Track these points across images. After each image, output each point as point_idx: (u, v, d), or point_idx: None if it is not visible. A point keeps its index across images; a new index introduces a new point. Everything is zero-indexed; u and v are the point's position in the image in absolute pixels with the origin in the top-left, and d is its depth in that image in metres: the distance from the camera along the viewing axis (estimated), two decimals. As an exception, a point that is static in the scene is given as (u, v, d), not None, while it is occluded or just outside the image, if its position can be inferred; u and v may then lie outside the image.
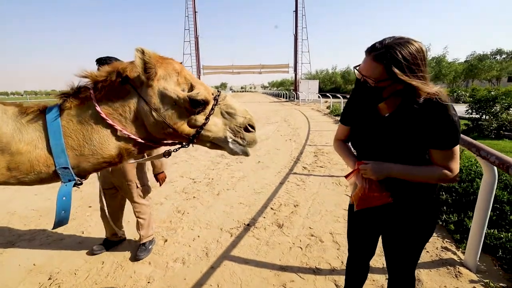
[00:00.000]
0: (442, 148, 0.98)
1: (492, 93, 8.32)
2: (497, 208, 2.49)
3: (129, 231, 2.68)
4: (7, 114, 0.79)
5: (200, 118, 0.93)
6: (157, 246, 2.54)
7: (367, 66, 0.98)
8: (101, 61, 2.00)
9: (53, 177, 0.84)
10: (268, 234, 2.69)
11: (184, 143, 0.99)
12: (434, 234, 2.55)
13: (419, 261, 2.17)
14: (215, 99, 0.95)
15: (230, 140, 0.99)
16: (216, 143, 1.00)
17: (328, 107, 16.32)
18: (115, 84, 0.87)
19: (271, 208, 3.24)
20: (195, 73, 30.66)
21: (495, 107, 7.97)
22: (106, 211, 2.26)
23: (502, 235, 2.18)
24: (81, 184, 0.88)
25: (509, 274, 1.96)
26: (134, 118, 0.90)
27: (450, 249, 2.31)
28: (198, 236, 2.70)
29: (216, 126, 0.96)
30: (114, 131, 0.87)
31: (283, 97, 33.30)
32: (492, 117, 7.87)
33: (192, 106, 0.90)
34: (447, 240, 2.44)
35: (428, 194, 1.10)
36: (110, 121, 0.85)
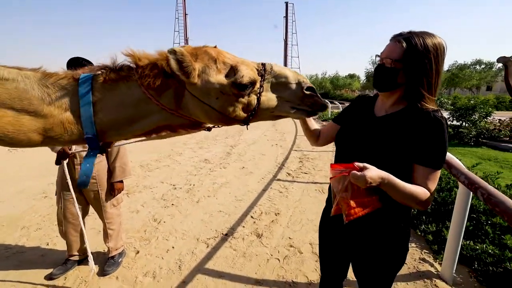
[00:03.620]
0: (427, 165, 0.92)
1: (472, 101, 8.62)
2: (473, 218, 2.50)
3: (99, 242, 2.52)
4: (30, 79, 0.79)
5: (252, 100, 0.88)
6: (128, 259, 2.39)
7: (388, 48, 0.97)
8: (72, 63, 1.85)
9: (82, 140, 0.86)
10: (246, 245, 2.59)
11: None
12: (413, 245, 2.53)
13: (397, 274, 2.15)
14: (261, 75, 0.89)
15: (292, 111, 0.95)
16: (279, 115, 0.97)
17: (316, 112, 16.47)
18: (159, 77, 0.84)
19: (251, 217, 3.15)
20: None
21: (474, 116, 8.26)
22: (82, 225, 2.04)
23: (477, 246, 2.18)
24: (105, 152, 0.97)
25: (484, 287, 1.95)
26: (181, 105, 0.88)
27: (427, 260, 2.28)
28: (173, 247, 2.56)
29: (271, 101, 0.91)
30: (156, 111, 0.86)
31: (273, 101, 33.36)
32: (471, 125, 8.14)
33: (239, 90, 0.85)
34: (425, 251, 2.42)
35: (402, 219, 1.04)
36: (157, 103, 0.84)
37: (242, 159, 5.73)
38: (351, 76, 46.99)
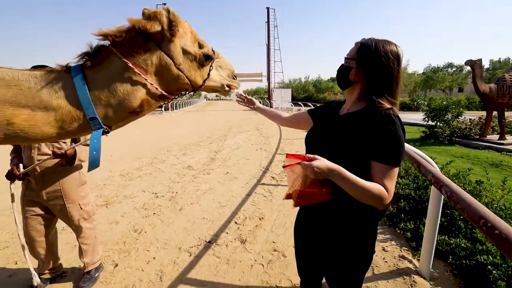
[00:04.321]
0: (381, 161, 0.93)
1: (445, 102, 9.10)
2: (447, 214, 2.62)
3: (75, 258, 2.39)
4: (37, 78, 0.86)
5: (206, 70, 1.10)
6: (105, 273, 2.28)
7: (349, 50, 1.07)
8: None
9: (89, 126, 0.92)
10: (229, 251, 2.55)
11: (187, 91, 1.13)
12: (393, 243, 2.60)
13: (378, 272, 2.19)
14: (212, 56, 1.13)
15: (227, 88, 1.22)
16: (216, 90, 1.20)
17: (300, 115, 16.71)
18: (136, 41, 0.92)
19: (235, 222, 3.11)
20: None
21: (447, 116, 8.71)
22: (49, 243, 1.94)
23: (452, 241, 2.27)
24: (108, 132, 0.96)
25: (459, 280, 2.04)
26: (155, 71, 0.98)
27: (406, 257, 2.35)
28: (154, 258, 2.48)
29: (215, 76, 1.16)
30: (140, 82, 0.94)
31: (258, 105, 33.57)
32: (445, 125, 8.58)
33: (205, 60, 1.06)
34: (405, 248, 2.50)
35: (364, 217, 1.05)
36: (137, 70, 0.92)
37: (227, 164, 5.69)
38: (333, 80, 48.31)
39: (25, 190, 1.93)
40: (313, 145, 1.13)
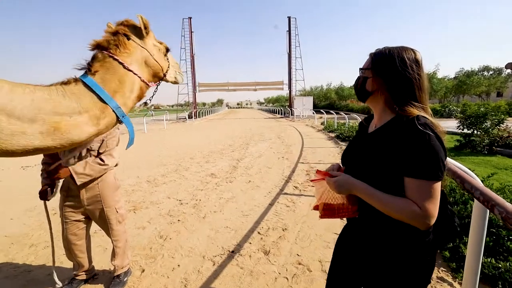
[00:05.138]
0: (413, 175, 0.84)
1: (482, 109, 8.43)
2: (493, 233, 2.37)
3: (105, 260, 2.49)
4: (62, 90, 1.01)
5: (167, 60, 1.42)
6: (133, 277, 2.34)
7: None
8: None
9: (116, 116, 1.15)
10: (253, 262, 2.51)
11: (159, 82, 1.44)
12: (429, 261, 2.40)
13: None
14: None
15: (178, 73, 1.54)
16: (174, 77, 1.51)
17: (322, 123, 16.43)
18: (122, 42, 1.16)
19: (258, 233, 3.07)
20: (191, 89, 30.95)
21: (485, 123, 8.04)
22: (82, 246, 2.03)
23: (500, 265, 2.04)
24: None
25: (510, 309, 1.81)
26: (142, 64, 1.25)
27: (446, 279, 2.15)
28: (178, 265, 2.51)
29: (172, 67, 1.49)
30: (136, 75, 1.20)
31: (279, 113, 33.61)
32: (483, 133, 7.91)
33: (166, 51, 1.42)
34: (443, 269, 2.29)
35: (412, 240, 0.93)
36: (127, 66, 1.16)
37: (249, 173, 5.69)
38: (357, 87, 46.74)
39: (66, 197, 2.05)
40: (347, 163, 1.11)
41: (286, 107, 34.84)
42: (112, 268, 2.32)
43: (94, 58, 1.13)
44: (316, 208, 1.07)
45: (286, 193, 4.35)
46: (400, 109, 0.92)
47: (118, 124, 1.21)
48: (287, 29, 30.87)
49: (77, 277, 2.21)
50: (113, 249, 2.21)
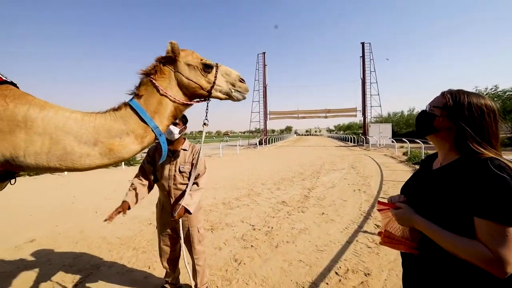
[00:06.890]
0: (485, 217, 0.79)
1: None
2: None
3: (185, 277, 2.71)
4: (116, 115, 1.23)
5: (211, 77, 1.43)
6: (211, 297, 2.46)
7: (434, 98, 1.07)
8: None
9: (154, 135, 1.30)
10: (331, 307, 2.28)
11: (206, 98, 1.48)
12: None
13: None
14: (216, 65, 1.47)
15: (232, 90, 1.51)
16: (226, 93, 1.50)
17: (404, 153, 14.46)
18: (158, 68, 1.34)
19: (336, 273, 2.81)
20: (262, 118, 32.72)
21: None
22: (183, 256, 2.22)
23: None
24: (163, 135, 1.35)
25: None
26: (176, 85, 1.38)
27: None
28: (253, 294, 2.50)
29: (221, 81, 1.47)
30: (166, 96, 1.34)
31: (351, 141, 31.52)
32: None
33: (204, 68, 1.41)
34: None
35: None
36: (162, 91, 1.32)
37: (322, 204, 5.41)
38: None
39: (160, 213, 2.37)
40: (409, 197, 1.09)
41: (360, 134, 32.46)
42: (191, 285, 2.49)
43: (140, 83, 1.34)
44: (380, 234, 1.13)
45: (366, 231, 3.89)
46: (471, 150, 0.91)
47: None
48: (361, 55, 29.85)
49: (166, 285, 2.47)
50: (194, 267, 2.37)
